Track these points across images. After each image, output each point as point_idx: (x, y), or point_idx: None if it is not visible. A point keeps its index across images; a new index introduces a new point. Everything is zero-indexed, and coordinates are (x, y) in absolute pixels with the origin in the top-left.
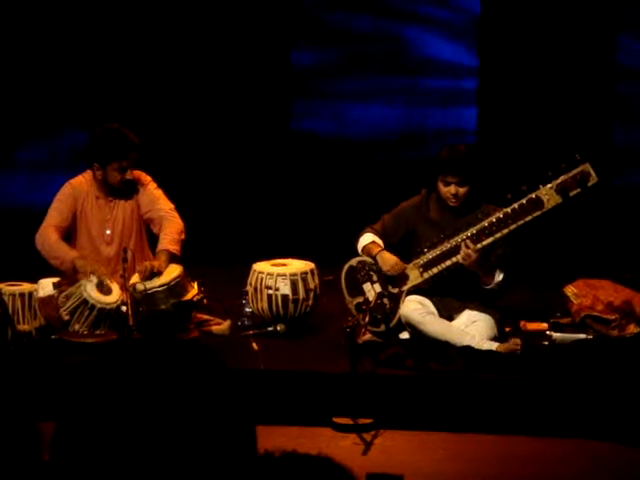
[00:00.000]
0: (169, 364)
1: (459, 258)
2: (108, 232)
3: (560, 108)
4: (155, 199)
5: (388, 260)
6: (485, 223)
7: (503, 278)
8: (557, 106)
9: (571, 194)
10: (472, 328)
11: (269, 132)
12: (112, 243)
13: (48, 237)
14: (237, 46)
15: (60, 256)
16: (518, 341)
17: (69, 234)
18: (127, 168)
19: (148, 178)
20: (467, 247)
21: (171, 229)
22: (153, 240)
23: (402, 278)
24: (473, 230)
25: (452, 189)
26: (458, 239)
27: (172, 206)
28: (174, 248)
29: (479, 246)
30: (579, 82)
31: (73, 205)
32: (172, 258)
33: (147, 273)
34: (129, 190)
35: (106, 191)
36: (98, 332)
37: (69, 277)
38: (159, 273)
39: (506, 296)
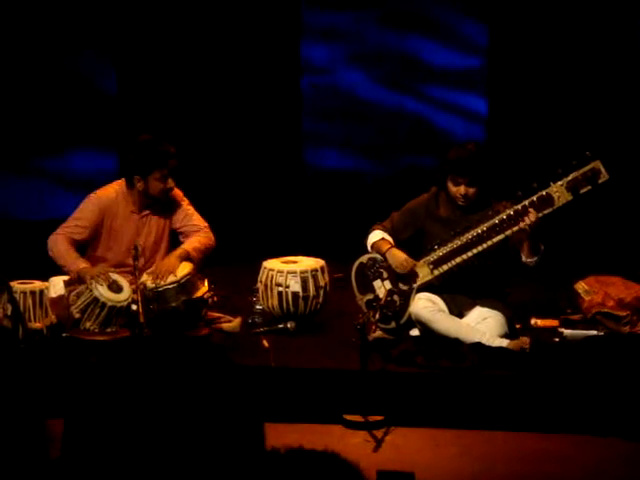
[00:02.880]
0: (178, 362)
1: (470, 253)
2: (138, 246)
3: (571, 104)
4: (190, 215)
5: (397, 257)
6: (495, 220)
7: (542, 252)
8: (568, 103)
9: (582, 191)
10: (482, 325)
11: (281, 130)
12: (140, 256)
13: (58, 244)
14: (242, 41)
15: (67, 265)
16: (527, 340)
17: (87, 243)
18: (168, 176)
19: (181, 194)
20: (529, 213)
21: (201, 240)
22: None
23: (412, 275)
24: (483, 227)
25: (462, 189)
26: (468, 236)
27: (207, 224)
28: (194, 253)
29: (490, 243)
30: (592, 79)
31: (99, 219)
32: (186, 259)
33: (162, 275)
34: (166, 204)
35: (142, 204)
36: (109, 330)
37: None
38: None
39: (517, 292)
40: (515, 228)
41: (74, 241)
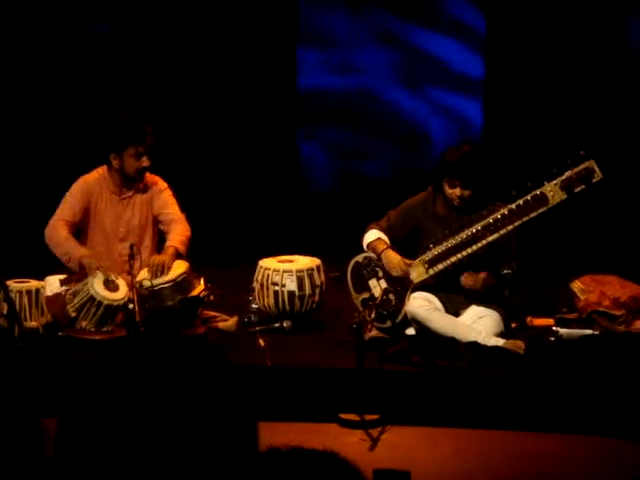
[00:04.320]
0: (173, 361)
1: (464, 252)
2: (122, 229)
3: (565, 104)
4: (169, 204)
5: (392, 260)
6: (490, 220)
7: (519, 268)
8: (562, 102)
9: (576, 190)
10: (478, 324)
11: (275, 129)
12: (125, 240)
13: (58, 232)
14: (239, 42)
15: (68, 252)
16: (522, 344)
17: (79, 230)
18: (143, 154)
19: (165, 184)
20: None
21: (180, 231)
22: (163, 243)
23: (407, 275)
24: (478, 226)
25: (457, 191)
26: (463, 235)
27: (183, 215)
28: (181, 247)
29: (484, 242)
30: (584, 77)
31: (86, 201)
32: (178, 256)
33: (159, 269)
34: (149, 189)
35: (122, 185)
36: (105, 329)
37: (77, 274)
38: (166, 270)
39: (512, 292)
40: (510, 227)
41: (70, 225)
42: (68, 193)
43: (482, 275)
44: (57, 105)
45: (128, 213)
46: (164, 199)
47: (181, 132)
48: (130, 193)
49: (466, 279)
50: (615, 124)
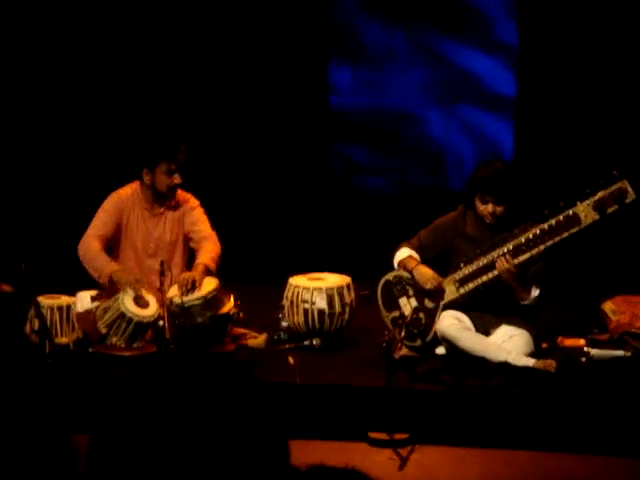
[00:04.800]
0: (203, 378)
1: (496, 272)
2: (152, 245)
3: (599, 124)
4: (200, 222)
5: (425, 274)
6: (522, 239)
7: (539, 294)
8: (595, 122)
9: (608, 211)
10: (509, 343)
11: (306, 147)
12: (155, 256)
13: (90, 246)
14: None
15: (99, 267)
16: (553, 363)
17: (112, 246)
18: (175, 171)
19: (197, 202)
20: (506, 261)
21: (211, 248)
22: (193, 260)
23: (438, 293)
24: (510, 246)
25: (489, 207)
26: (494, 254)
27: (214, 233)
28: (211, 265)
29: (516, 262)
30: (616, 95)
31: (118, 216)
32: (208, 273)
33: (189, 286)
34: (181, 207)
35: (154, 201)
36: (135, 345)
37: (107, 290)
38: (197, 287)
39: (543, 312)
40: (542, 247)
41: (103, 240)
42: (101, 208)
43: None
44: (92, 120)
45: (159, 230)
46: (195, 216)
47: (213, 150)
48: (161, 210)
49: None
50: None
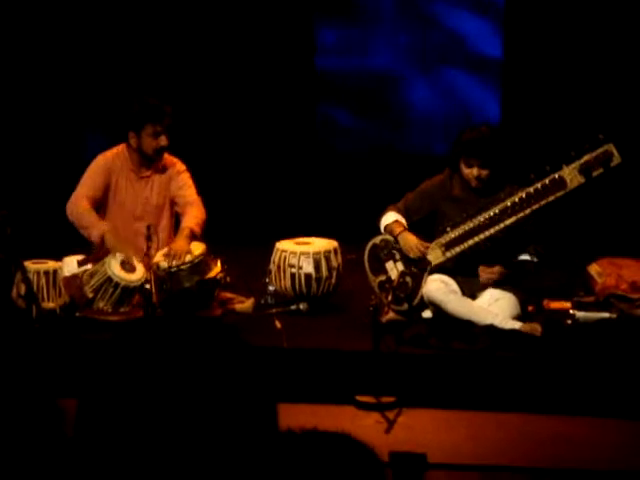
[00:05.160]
0: (190, 342)
1: (482, 236)
2: (139, 208)
3: (585, 87)
4: (186, 187)
5: (410, 241)
6: (508, 203)
7: (536, 251)
8: (582, 85)
9: (594, 174)
10: (495, 306)
11: (293, 112)
12: (142, 219)
13: (79, 206)
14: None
15: (90, 226)
16: (538, 327)
17: (99, 207)
18: (161, 133)
19: (184, 167)
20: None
21: (195, 213)
22: (179, 225)
23: (425, 257)
24: (496, 210)
25: (474, 171)
26: (480, 218)
27: (199, 198)
28: (196, 229)
29: (502, 225)
30: (604, 58)
31: (106, 177)
32: (193, 238)
33: (177, 256)
34: (167, 171)
35: (141, 164)
36: (122, 310)
37: (94, 254)
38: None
39: (529, 275)
40: (527, 211)
41: (91, 200)
42: (88, 170)
43: (497, 269)
44: (75, 84)
45: (146, 192)
46: (182, 181)
47: (198, 114)
48: (148, 173)
49: (482, 272)
50: (636, 108)
